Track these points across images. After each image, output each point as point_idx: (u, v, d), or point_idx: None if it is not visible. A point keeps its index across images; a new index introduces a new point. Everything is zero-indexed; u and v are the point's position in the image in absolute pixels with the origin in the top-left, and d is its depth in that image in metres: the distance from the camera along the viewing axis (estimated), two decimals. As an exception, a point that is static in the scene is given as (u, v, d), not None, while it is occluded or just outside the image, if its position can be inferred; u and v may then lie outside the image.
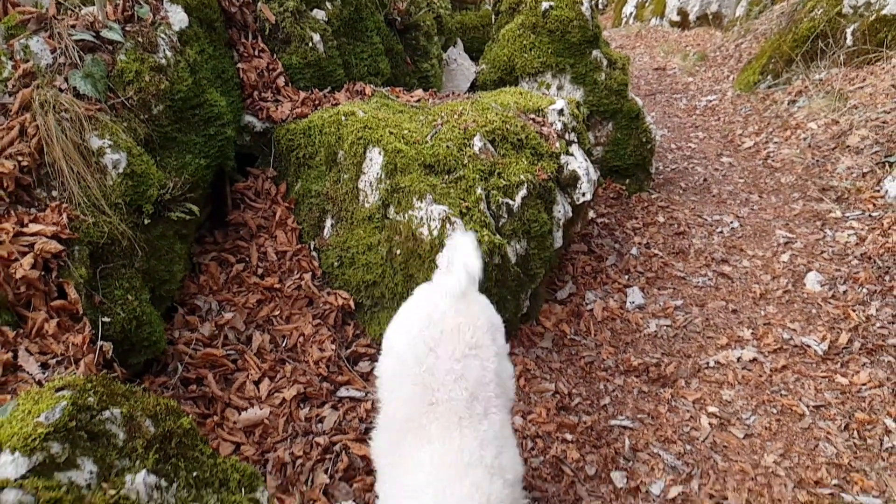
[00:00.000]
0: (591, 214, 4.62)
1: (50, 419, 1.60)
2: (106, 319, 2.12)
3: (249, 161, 3.45)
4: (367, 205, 2.97)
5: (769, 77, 7.38)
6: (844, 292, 3.89)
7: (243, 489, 2.00)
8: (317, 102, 3.55)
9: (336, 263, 3.10)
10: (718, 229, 4.79)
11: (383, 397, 2.11)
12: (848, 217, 4.71)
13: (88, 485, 1.65)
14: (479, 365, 1.94)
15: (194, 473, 1.90)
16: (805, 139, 5.97)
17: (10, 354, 1.84)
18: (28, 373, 1.86)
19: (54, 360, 1.96)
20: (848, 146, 5.57)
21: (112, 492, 1.68)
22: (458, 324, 1.99)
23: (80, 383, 1.73)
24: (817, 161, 5.58)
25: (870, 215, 4.64)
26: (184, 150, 2.73)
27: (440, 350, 1.95)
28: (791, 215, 4.93)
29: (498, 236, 2.88)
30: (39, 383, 1.90)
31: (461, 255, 2.10)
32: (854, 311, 3.68)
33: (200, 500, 1.89)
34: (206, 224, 3.10)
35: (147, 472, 1.75)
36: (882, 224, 4.44)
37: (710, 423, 3.02)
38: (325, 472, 2.47)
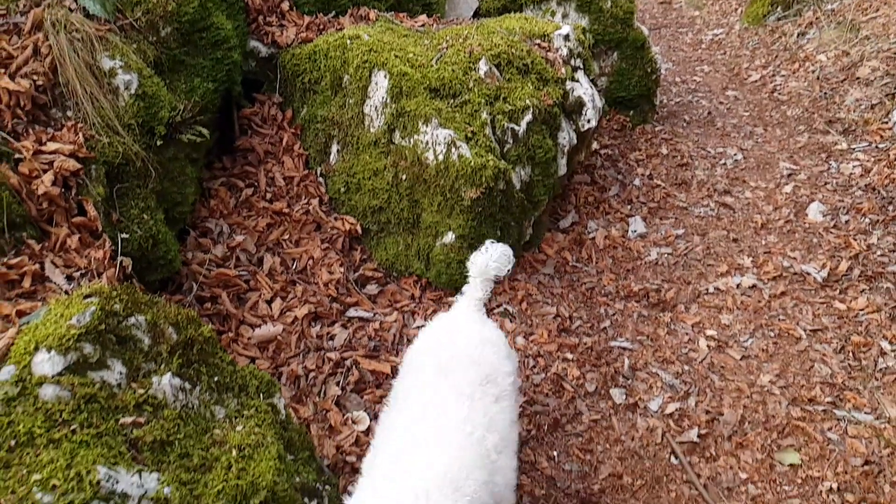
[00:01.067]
0: (595, 146, 4.65)
1: (81, 322, 1.70)
2: (124, 236, 2.21)
3: (255, 87, 3.47)
4: (372, 129, 3.02)
5: (779, 9, 7.27)
6: (846, 222, 3.97)
7: (261, 395, 2.12)
8: (321, 27, 3.55)
9: (342, 189, 3.17)
10: (721, 161, 4.84)
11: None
12: (854, 149, 4.75)
13: (119, 384, 1.76)
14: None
15: (215, 378, 2.02)
16: (813, 71, 5.95)
17: (37, 266, 1.94)
18: (55, 283, 1.95)
19: (78, 274, 2.05)
20: (857, 78, 5.56)
21: (141, 391, 1.80)
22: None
23: (107, 291, 1.83)
24: (825, 93, 5.58)
25: (876, 147, 4.68)
26: (192, 73, 2.77)
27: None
28: (796, 148, 4.96)
29: (503, 161, 2.94)
30: (66, 293, 2.00)
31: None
32: (855, 239, 3.76)
33: (222, 403, 2.01)
34: (214, 150, 3.16)
35: (172, 374, 1.86)
36: (889, 155, 4.49)
37: (708, 346, 3.15)
38: (337, 384, 2.60)
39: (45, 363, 1.63)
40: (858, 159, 4.62)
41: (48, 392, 1.61)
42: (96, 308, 1.75)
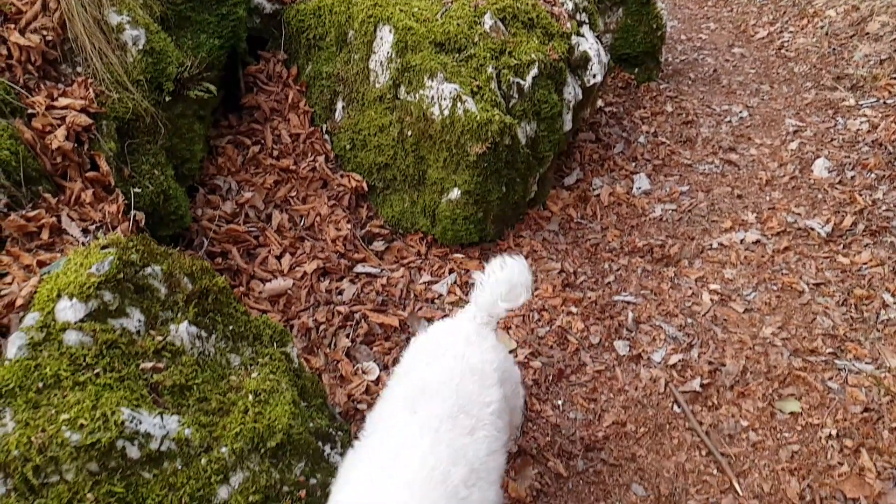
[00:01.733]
0: (600, 103, 4.66)
1: (100, 270, 1.76)
2: (137, 191, 2.25)
3: (260, 44, 3.47)
4: (377, 85, 3.03)
5: (788, -37, 7.16)
6: (852, 178, 4.00)
7: (275, 343, 2.19)
8: (324, -18, 3.53)
9: (348, 146, 3.20)
10: (727, 119, 4.84)
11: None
12: (862, 105, 4.74)
13: (138, 331, 1.83)
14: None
15: (230, 327, 2.08)
16: (822, 27, 5.90)
17: (54, 219, 1.99)
18: (71, 235, 2.01)
19: (93, 227, 2.10)
20: (867, 33, 5.51)
21: (159, 338, 1.87)
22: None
23: (124, 242, 1.89)
24: (833, 49, 5.55)
25: (884, 103, 4.67)
26: (198, 29, 2.78)
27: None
28: (802, 104, 4.96)
29: (509, 116, 2.97)
30: (83, 245, 2.05)
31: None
32: (860, 195, 3.79)
33: (237, 351, 2.08)
34: (220, 108, 3.18)
35: (189, 323, 1.93)
36: (896, 111, 4.49)
37: (711, 299, 3.21)
38: (347, 336, 2.67)
39: (68, 310, 1.69)
40: (866, 115, 4.61)
41: (71, 337, 1.68)
42: (114, 258, 1.80)
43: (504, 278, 2.04)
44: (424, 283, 3.05)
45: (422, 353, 1.99)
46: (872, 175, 3.98)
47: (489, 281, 2.07)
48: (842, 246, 3.52)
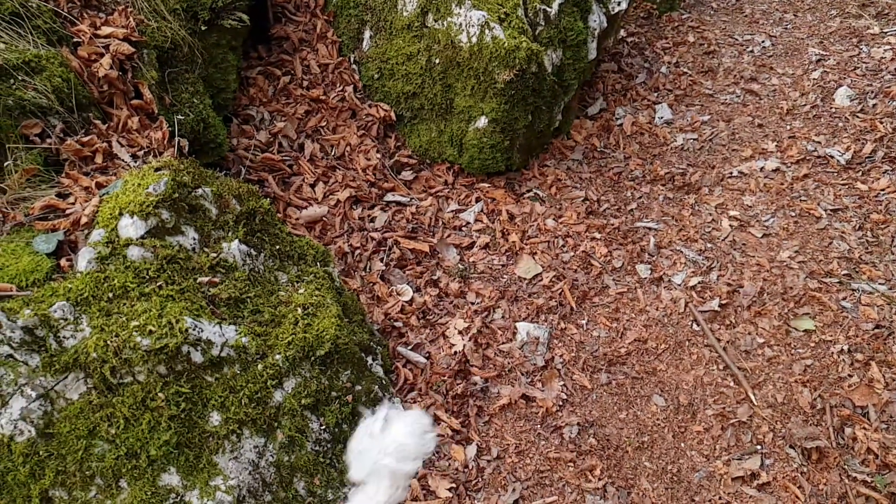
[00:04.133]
0: (622, 33, 4.61)
1: (157, 190, 1.85)
2: (180, 118, 2.32)
3: (285, -26, 3.47)
4: (405, 13, 3.04)
5: None
6: (874, 106, 3.98)
7: (318, 263, 2.29)
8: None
9: (376, 75, 3.23)
10: (749, 48, 4.78)
11: None
12: (886, 32, 4.66)
13: (193, 248, 1.93)
14: None
15: (276, 247, 2.18)
16: (849, -48, 5.73)
17: (105, 144, 2.07)
18: (122, 160, 2.09)
19: (141, 153, 2.19)
20: (894, -42, 5.36)
21: (213, 255, 1.97)
22: None
23: (175, 164, 1.97)
24: (859, -25, 5.41)
25: (909, 29, 4.60)
26: (228, -43, 2.80)
27: None
28: (826, 33, 4.87)
29: (536, 44, 2.98)
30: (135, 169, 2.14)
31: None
32: (881, 122, 3.78)
33: (284, 269, 2.19)
34: (249, 39, 3.21)
35: (239, 241, 2.03)
36: (921, 38, 4.43)
37: (730, 225, 3.27)
38: (381, 260, 2.78)
39: (130, 227, 1.79)
40: (890, 43, 4.54)
41: (134, 253, 1.78)
42: (168, 178, 1.89)
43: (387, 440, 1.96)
44: (452, 211, 3.13)
45: None
46: (894, 103, 3.96)
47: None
48: (860, 173, 3.54)
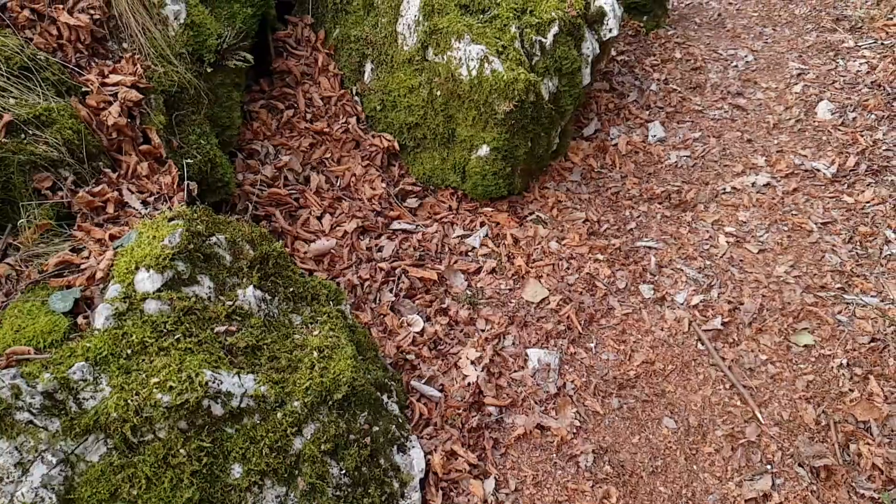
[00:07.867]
0: (612, 52, 4.56)
1: (172, 242, 1.76)
2: (188, 161, 2.24)
3: (286, 9, 3.38)
4: (406, 48, 2.97)
5: None
6: (854, 119, 3.94)
7: (331, 302, 2.21)
8: (344, -55, 3.41)
9: (378, 107, 3.15)
10: (733, 63, 4.74)
11: None
12: (860, 46, 4.63)
13: (209, 297, 1.85)
14: None
15: (290, 289, 2.10)
16: (822, -32, 5.71)
17: (116, 193, 1.98)
18: (133, 208, 2.01)
19: (151, 198, 2.10)
20: (865, -27, 5.35)
21: (229, 303, 1.88)
22: None
23: (189, 213, 1.89)
24: (833, -10, 5.39)
25: (882, 44, 4.57)
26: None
27: None
28: (804, 47, 4.84)
29: (532, 74, 2.91)
30: (145, 217, 2.05)
31: None
32: (862, 136, 3.75)
33: (298, 311, 2.11)
34: (251, 73, 3.13)
35: (254, 287, 1.94)
36: (893, 52, 4.38)
37: (727, 241, 3.21)
38: (390, 291, 2.70)
39: (146, 281, 1.71)
40: (864, 56, 4.52)
41: (152, 306, 1.70)
42: (183, 229, 1.81)
43: None
44: (458, 236, 3.05)
45: None
46: (872, 116, 3.92)
47: None
48: (846, 186, 3.50)
